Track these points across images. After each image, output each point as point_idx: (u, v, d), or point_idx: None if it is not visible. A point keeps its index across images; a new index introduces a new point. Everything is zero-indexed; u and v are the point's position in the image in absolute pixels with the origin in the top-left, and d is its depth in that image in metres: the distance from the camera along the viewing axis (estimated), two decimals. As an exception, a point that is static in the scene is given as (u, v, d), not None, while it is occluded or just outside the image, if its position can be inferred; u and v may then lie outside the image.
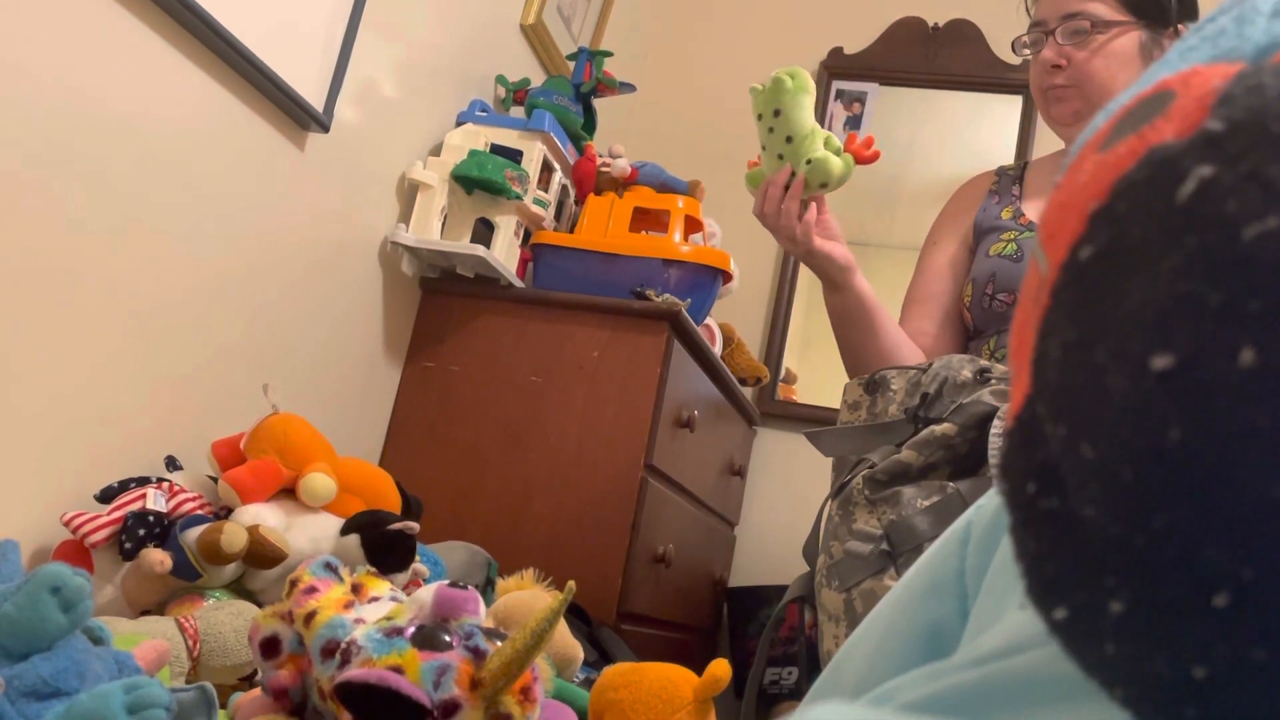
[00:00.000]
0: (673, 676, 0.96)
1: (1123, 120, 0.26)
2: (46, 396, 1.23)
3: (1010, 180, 1.62)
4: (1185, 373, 0.21)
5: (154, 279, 1.37)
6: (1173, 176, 0.23)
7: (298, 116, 1.58)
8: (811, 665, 2.01)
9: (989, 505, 0.45)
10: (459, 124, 2.00)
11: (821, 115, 2.75)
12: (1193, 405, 0.20)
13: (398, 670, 0.71)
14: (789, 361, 2.67)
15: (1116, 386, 0.22)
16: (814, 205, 1.40)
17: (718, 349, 2.29)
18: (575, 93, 2.10)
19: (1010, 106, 2.70)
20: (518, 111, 2.20)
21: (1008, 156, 2.65)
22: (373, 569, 0.90)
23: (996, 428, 1.18)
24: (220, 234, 1.48)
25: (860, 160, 1.36)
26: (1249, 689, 0.21)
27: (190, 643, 1.08)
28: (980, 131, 2.74)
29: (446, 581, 0.79)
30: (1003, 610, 0.38)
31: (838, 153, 1.36)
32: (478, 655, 0.73)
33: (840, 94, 2.79)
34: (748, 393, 2.49)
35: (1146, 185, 0.23)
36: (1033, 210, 1.54)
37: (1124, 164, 0.25)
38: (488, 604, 1.17)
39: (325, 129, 1.63)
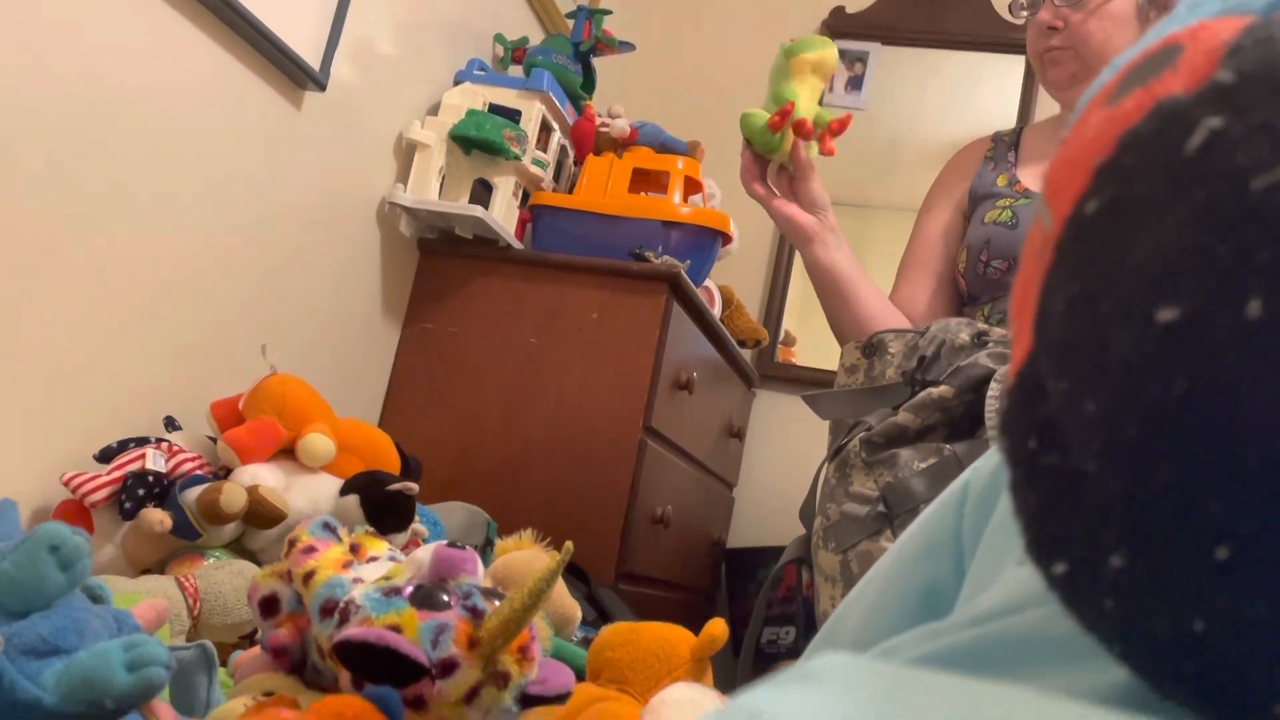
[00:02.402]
0: (670, 636, 0.97)
1: (1129, 75, 0.26)
2: (45, 357, 1.23)
3: (1006, 146, 1.61)
4: (1191, 325, 0.20)
5: (150, 239, 1.36)
6: (1181, 128, 0.22)
7: (294, 75, 1.56)
8: (809, 625, 2.03)
9: (986, 466, 0.45)
10: (457, 83, 1.98)
11: (822, 76, 2.73)
12: (1198, 358, 0.20)
13: (396, 629, 0.71)
14: (788, 324, 2.67)
15: (1120, 340, 0.22)
16: (783, 169, 1.44)
17: (717, 311, 2.28)
18: (574, 51, 2.08)
19: (1013, 66, 2.68)
20: (516, 71, 2.18)
21: (1010, 117, 2.63)
22: (371, 529, 0.90)
23: (993, 390, 1.18)
24: (217, 193, 1.47)
25: (800, 134, 1.38)
26: (1248, 642, 0.21)
27: (190, 601, 1.08)
28: (982, 91, 2.72)
29: (444, 542, 0.79)
30: (999, 570, 0.38)
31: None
32: (476, 615, 0.73)
33: (842, 54, 2.76)
34: (747, 355, 2.49)
35: (1154, 138, 0.23)
36: (1028, 177, 1.53)
37: (1131, 117, 0.24)
38: (486, 564, 1.18)
39: (322, 88, 1.61)
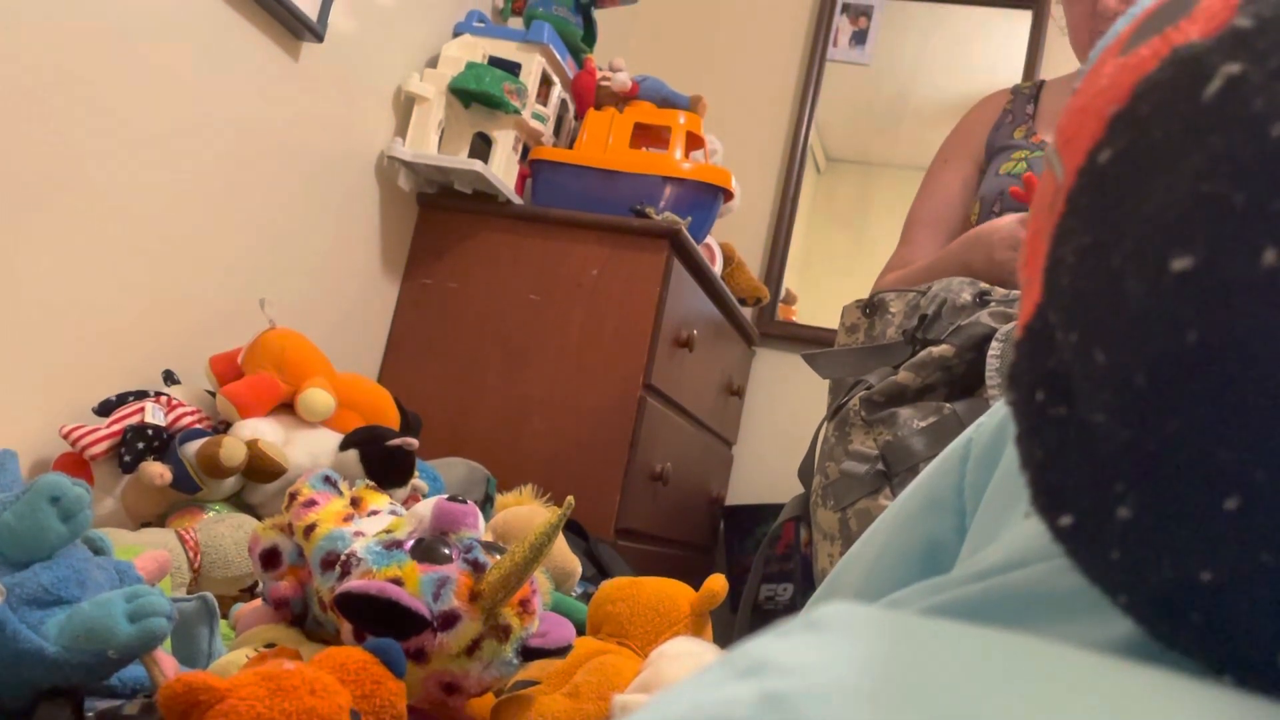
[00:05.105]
0: (670, 591, 0.97)
1: (1145, 23, 0.25)
2: (43, 310, 1.22)
3: (1025, 99, 1.60)
4: (1205, 274, 0.20)
5: (148, 191, 1.35)
6: (1198, 75, 0.22)
7: (291, 25, 1.54)
8: (806, 582, 2.04)
9: (990, 423, 0.45)
10: (456, 35, 1.96)
11: (827, 30, 2.70)
12: (1211, 307, 0.20)
13: (398, 582, 0.72)
14: (789, 282, 2.66)
15: (1133, 290, 0.21)
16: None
17: (718, 268, 2.27)
18: (575, 3, 2.05)
19: (1019, 21, 2.65)
20: (516, 23, 2.15)
21: (1016, 72, 2.60)
22: (371, 483, 0.90)
23: (994, 349, 1.18)
24: (214, 145, 1.45)
25: None
26: (1255, 593, 0.20)
27: (191, 554, 1.09)
28: (988, 47, 2.70)
29: (445, 496, 0.79)
30: (1002, 526, 0.38)
31: None
32: (477, 568, 0.74)
33: (846, 8, 2.73)
34: (747, 313, 2.48)
35: (1170, 85, 0.23)
36: (1046, 130, 1.52)
37: (1146, 65, 0.24)
38: (486, 520, 1.18)
39: (319, 38, 1.60)
